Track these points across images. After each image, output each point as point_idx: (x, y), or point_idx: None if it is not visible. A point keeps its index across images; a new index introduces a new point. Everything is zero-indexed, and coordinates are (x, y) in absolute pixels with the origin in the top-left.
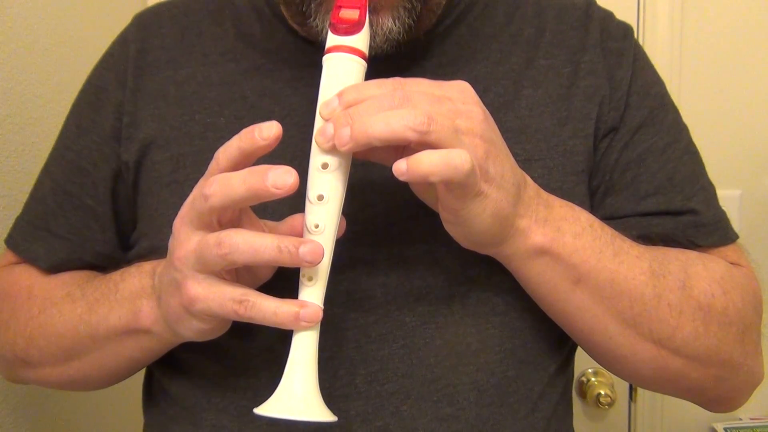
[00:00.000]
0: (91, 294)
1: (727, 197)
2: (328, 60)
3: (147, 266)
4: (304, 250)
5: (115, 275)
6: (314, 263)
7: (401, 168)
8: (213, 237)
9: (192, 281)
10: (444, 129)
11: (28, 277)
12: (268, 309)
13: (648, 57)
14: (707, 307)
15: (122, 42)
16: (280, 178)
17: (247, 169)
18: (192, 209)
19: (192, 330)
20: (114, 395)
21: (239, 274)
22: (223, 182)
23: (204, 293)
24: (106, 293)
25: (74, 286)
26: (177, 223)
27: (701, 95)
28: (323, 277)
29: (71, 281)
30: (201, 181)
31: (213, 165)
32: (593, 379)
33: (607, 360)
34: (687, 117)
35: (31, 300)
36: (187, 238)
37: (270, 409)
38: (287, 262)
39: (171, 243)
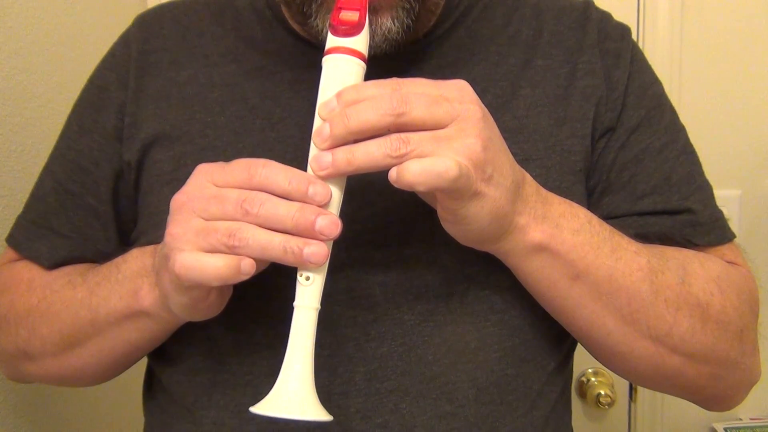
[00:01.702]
0: (92, 279)
1: (727, 197)
2: (327, 61)
3: (149, 247)
4: (308, 252)
5: (118, 258)
6: (318, 265)
7: (392, 176)
8: (225, 225)
9: (179, 255)
10: (422, 143)
11: (28, 271)
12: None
13: (645, 58)
14: (705, 305)
15: (124, 42)
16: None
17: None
18: (209, 210)
19: (178, 305)
20: (114, 395)
21: None
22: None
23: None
24: (108, 276)
25: (75, 274)
26: (179, 200)
27: (701, 95)
28: (320, 277)
29: (72, 271)
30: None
31: (243, 178)
32: (593, 379)
33: (605, 356)
34: (687, 117)
35: (31, 291)
36: (187, 220)
37: (266, 407)
38: (292, 262)
39: (168, 219)
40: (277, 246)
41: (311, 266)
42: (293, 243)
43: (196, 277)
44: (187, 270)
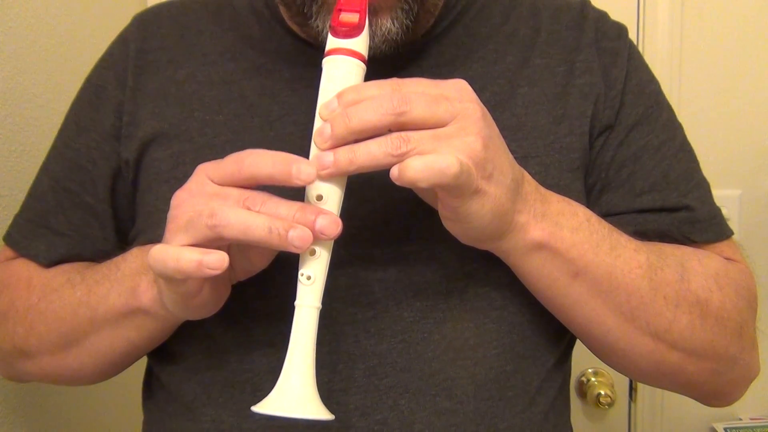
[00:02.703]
0: (91, 277)
1: (727, 197)
2: (328, 62)
3: (149, 245)
4: (293, 235)
5: (118, 257)
6: (300, 249)
7: (394, 174)
8: (208, 209)
9: (154, 247)
10: (423, 142)
11: (27, 269)
12: (170, 255)
13: (642, 56)
14: (704, 302)
15: (122, 42)
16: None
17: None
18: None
19: (171, 302)
20: (114, 394)
21: (233, 258)
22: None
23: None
24: (107, 274)
25: (74, 272)
26: (180, 197)
27: (701, 95)
28: (321, 276)
29: (71, 269)
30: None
31: (234, 169)
32: (593, 379)
33: (605, 353)
34: (687, 117)
35: (30, 289)
36: (184, 213)
37: (267, 407)
38: (276, 244)
39: (169, 215)
40: (262, 226)
41: (294, 250)
42: (278, 224)
43: (160, 268)
44: (154, 261)
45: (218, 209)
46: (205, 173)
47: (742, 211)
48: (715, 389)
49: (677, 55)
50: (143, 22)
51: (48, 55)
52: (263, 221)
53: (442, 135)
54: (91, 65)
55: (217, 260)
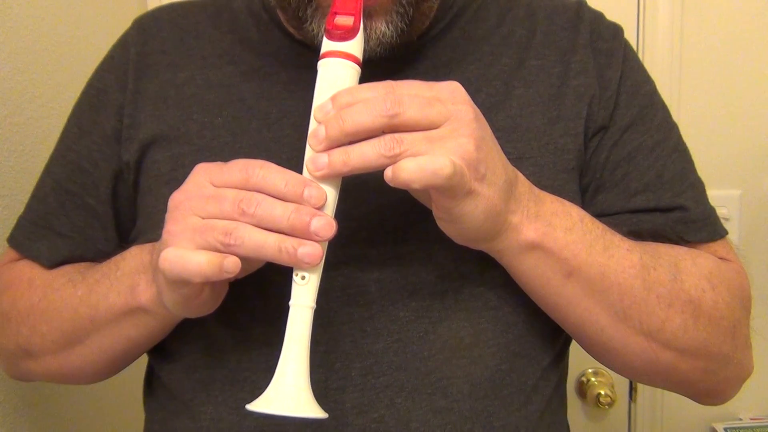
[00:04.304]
0: (91, 276)
1: (727, 197)
2: (323, 65)
3: (148, 245)
4: (302, 252)
5: (117, 256)
6: (312, 265)
7: (387, 175)
8: (222, 224)
9: (164, 250)
10: (416, 143)
11: (29, 270)
12: (191, 259)
13: (637, 57)
14: (697, 301)
15: (123, 45)
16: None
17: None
18: (206, 209)
19: (171, 302)
20: (116, 392)
21: None
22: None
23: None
24: (107, 273)
25: (75, 272)
26: (177, 199)
27: (701, 95)
28: (316, 276)
29: (72, 269)
30: (218, 188)
31: (240, 178)
32: (593, 379)
33: (599, 352)
34: (687, 117)
35: (32, 289)
36: (184, 218)
37: (261, 405)
38: (286, 262)
39: (166, 216)
40: (272, 245)
41: (305, 266)
42: (288, 243)
43: (178, 272)
44: (171, 264)
45: (233, 229)
46: (206, 176)
47: (742, 211)
48: (709, 388)
49: (677, 55)
50: (143, 25)
51: (48, 55)
52: (274, 241)
53: (435, 137)
54: (92, 66)
55: (234, 264)
